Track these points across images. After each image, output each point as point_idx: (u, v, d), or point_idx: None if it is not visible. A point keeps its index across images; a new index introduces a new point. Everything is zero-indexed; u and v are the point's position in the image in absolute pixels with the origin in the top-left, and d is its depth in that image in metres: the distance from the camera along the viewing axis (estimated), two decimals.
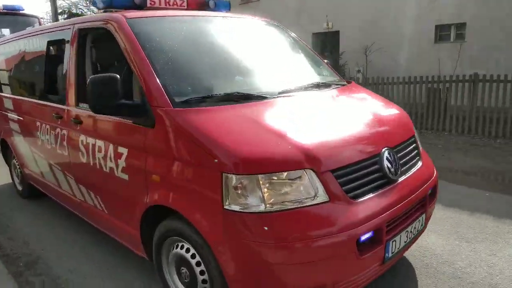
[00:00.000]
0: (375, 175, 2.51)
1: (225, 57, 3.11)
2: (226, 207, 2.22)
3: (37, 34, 4.27)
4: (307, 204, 2.22)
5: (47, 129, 3.88)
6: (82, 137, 3.30)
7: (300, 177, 2.24)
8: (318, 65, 3.64)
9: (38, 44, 4.21)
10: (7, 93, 5.04)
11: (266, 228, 2.16)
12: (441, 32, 12.75)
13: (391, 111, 3.09)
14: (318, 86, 3.19)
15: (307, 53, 3.75)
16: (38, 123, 4.09)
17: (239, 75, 3.04)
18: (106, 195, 3.23)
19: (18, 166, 5.15)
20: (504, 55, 11.02)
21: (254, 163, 2.21)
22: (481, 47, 11.52)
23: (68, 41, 3.54)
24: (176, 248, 2.65)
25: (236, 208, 2.20)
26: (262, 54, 3.42)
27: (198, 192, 2.35)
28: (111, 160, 2.96)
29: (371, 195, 2.43)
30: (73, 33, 3.47)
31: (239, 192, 2.20)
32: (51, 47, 4.05)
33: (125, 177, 2.85)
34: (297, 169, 2.24)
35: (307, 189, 2.24)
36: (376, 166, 2.52)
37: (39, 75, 4.18)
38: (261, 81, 3.06)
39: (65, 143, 3.57)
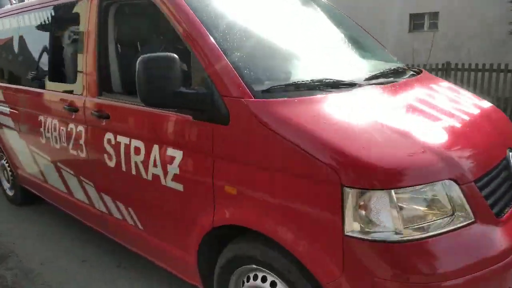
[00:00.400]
0: (507, 182, 1.90)
1: (297, 35, 2.35)
2: (348, 233, 1.55)
3: (40, 8, 3.26)
4: (452, 227, 1.58)
5: (55, 124, 2.97)
6: (109, 135, 2.46)
7: (441, 190, 1.59)
8: (381, 48, 2.94)
9: (40, 20, 3.23)
10: None
11: (405, 261, 1.52)
12: (415, 21, 12.41)
13: (489, 104, 2.46)
14: (397, 72, 2.50)
15: (366, 34, 3.02)
16: (40, 117, 3.16)
17: (312, 57, 2.29)
18: (144, 208, 2.44)
19: (8, 168, 4.13)
20: (476, 44, 10.82)
21: (387, 174, 1.54)
22: (454, 36, 11.29)
23: (84, 15, 2.64)
24: (263, 281, 1.91)
25: (362, 235, 1.54)
26: (329, 32, 2.67)
27: (302, 211, 1.65)
28: (155, 165, 2.18)
29: (509, 209, 1.81)
30: (91, 4, 2.58)
31: (366, 212, 1.53)
32: (59, 23, 3.08)
33: (179, 187, 2.09)
34: (438, 180, 1.58)
35: (449, 207, 1.60)
36: (505, 172, 1.91)
37: (42, 59, 3.24)
38: (339, 64, 2.33)
39: (81, 141, 2.70)
